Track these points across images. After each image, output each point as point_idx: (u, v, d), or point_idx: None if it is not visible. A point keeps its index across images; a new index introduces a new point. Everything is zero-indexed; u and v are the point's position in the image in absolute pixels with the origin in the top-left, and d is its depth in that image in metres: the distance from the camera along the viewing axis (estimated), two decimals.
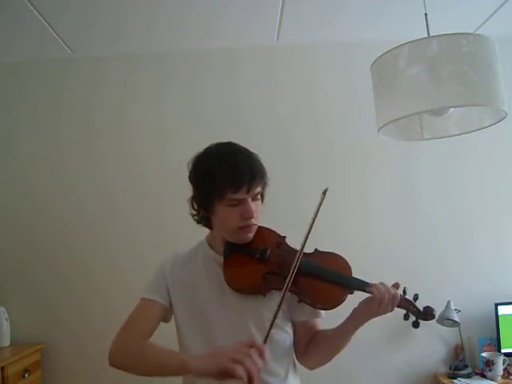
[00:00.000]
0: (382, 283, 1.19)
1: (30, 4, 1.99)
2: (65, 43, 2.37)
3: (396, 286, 1.20)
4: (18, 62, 2.50)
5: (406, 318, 1.24)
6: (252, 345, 1.03)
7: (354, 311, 1.23)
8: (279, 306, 1.12)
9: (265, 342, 1.07)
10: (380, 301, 1.16)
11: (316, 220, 1.19)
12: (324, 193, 1.22)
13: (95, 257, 2.40)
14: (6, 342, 2.27)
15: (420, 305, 1.24)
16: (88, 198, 2.44)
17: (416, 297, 1.25)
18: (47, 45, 2.36)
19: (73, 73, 2.53)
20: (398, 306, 1.19)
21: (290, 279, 1.15)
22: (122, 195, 2.44)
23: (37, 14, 2.06)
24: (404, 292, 1.23)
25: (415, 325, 1.23)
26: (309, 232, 1.19)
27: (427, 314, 1.23)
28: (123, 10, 2.10)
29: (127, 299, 1.32)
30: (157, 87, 2.51)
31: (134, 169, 2.46)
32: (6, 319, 2.29)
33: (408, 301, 1.23)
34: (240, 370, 0.97)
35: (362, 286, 1.20)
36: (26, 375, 2.13)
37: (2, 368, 1.98)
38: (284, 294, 1.14)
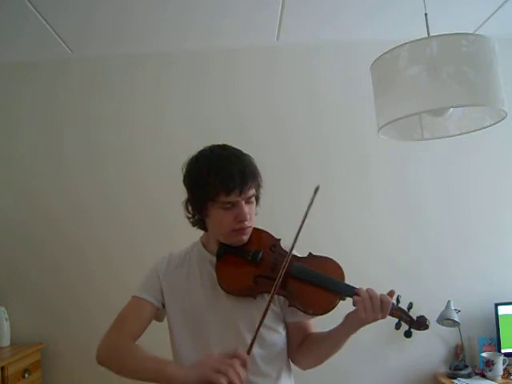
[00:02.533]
0: (368, 289, 1.17)
1: (30, 4, 1.99)
2: (65, 43, 2.37)
3: (390, 294, 1.17)
4: (18, 62, 2.50)
5: (397, 327, 1.20)
6: (235, 355, 1.04)
7: (345, 318, 1.21)
8: (264, 314, 1.12)
9: (248, 353, 1.07)
10: (363, 305, 1.14)
11: (307, 220, 1.18)
12: (315, 191, 1.20)
13: (95, 257, 2.40)
14: (6, 342, 2.27)
15: (414, 314, 1.21)
16: (88, 198, 2.44)
17: (410, 305, 1.21)
18: (47, 45, 2.36)
19: (73, 73, 2.53)
20: (390, 315, 1.17)
21: (277, 283, 1.15)
22: (122, 195, 2.44)
23: (37, 14, 2.07)
24: (397, 300, 1.20)
25: (407, 334, 1.19)
26: (299, 231, 1.18)
27: (420, 323, 1.19)
28: (123, 10, 2.10)
29: (127, 299, 1.32)
30: (157, 87, 2.51)
31: (133, 168, 2.46)
32: (6, 319, 2.30)
33: (400, 309, 1.19)
34: (222, 381, 0.98)
35: (351, 292, 1.18)
36: (26, 375, 2.13)
37: (2, 368, 1.98)
38: (270, 301, 1.13)
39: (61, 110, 2.50)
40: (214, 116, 2.48)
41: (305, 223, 1.18)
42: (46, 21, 2.14)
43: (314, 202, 1.19)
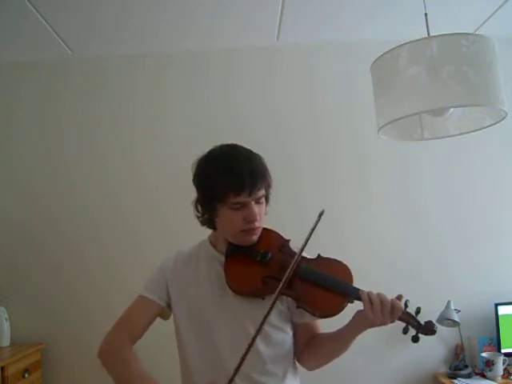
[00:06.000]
0: (379, 293, 1.16)
1: (30, 4, 1.99)
2: (65, 43, 2.37)
3: (399, 297, 1.17)
4: (18, 62, 2.50)
5: (405, 331, 1.20)
6: None
7: (353, 318, 1.22)
8: (267, 314, 1.12)
9: (239, 365, 1.08)
10: (371, 306, 1.14)
11: (307, 219, 1.19)
12: (320, 215, 1.20)
13: (95, 257, 2.40)
14: (6, 342, 2.27)
15: (422, 319, 1.21)
16: (88, 198, 2.44)
17: (418, 310, 1.21)
18: (47, 45, 2.36)
19: (73, 73, 2.53)
20: (397, 319, 1.17)
21: (284, 282, 1.15)
22: (122, 194, 2.44)
23: (37, 14, 2.06)
24: (405, 305, 1.19)
25: (415, 339, 1.18)
26: (302, 248, 1.20)
27: (428, 329, 1.19)
28: (123, 10, 2.10)
29: (127, 299, 1.32)
30: (157, 87, 2.51)
31: (134, 168, 2.46)
32: (6, 319, 2.29)
33: (408, 314, 1.19)
34: None
35: (359, 294, 1.18)
36: (26, 375, 2.13)
37: (2, 368, 1.98)
38: (274, 302, 1.14)
39: (61, 110, 2.50)
40: (214, 116, 2.48)
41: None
42: (46, 21, 2.14)
43: (317, 226, 1.20)
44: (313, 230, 1.20)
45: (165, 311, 1.31)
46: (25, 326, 2.36)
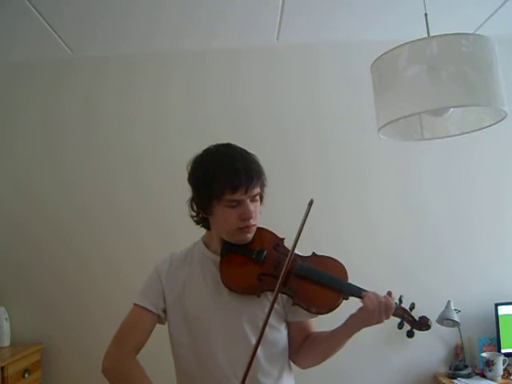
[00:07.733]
0: (374, 293, 1.18)
1: (30, 4, 1.99)
2: (65, 43, 2.37)
3: (389, 294, 1.19)
4: (18, 62, 2.50)
5: (400, 326, 1.21)
6: None
7: (349, 318, 1.22)
8: (269, 313, 1.13)
9: (252, 358, 1.08)
10: (372, 311, 1.15)
11: (308, 220, 1.19)
12: (310, 204, 1.21)
13: (95, 257, 2.40)
14: (6, 342, 2.28)
15: (416, 314, 1.22)
16: (88, 198, 2.44)
17: (412, 306, 1.22)
18: (47, 45, 2.36)
19: (73, 73, 2.53)
20: (392, 315, 1.18)
21: (280, 282, 1.16)
22: (123, 195, 2.44)
23: (37, 14, 2.07)
24: (400, 300, 1.21)
25: (409, 334, 1.20)
26: (295, 243, 1.20)
27: (422, 324, 1.20)
28: (123, 10, 2.10)
29: (127, 299, 1.32)
30: (157, 87, 2.51)
31: (134, 168, 2.46)
32: (6, 319, 2.30)
33: (403, 309, 1.21)
34: None
35: (356, 292, 1.20)
36: (26, 375, 2.13)
37: (2, 368, 1.98)
38: (274, 301, 1.15)
39: (61, 110, 2.50)
40: (214, 116, 2.48)
41: (304, 227, 1.19)
42: (45, 21, 2.14)
43: (308, 216, 1.20)
44: (304, 220, 1.20)
45: (162, 318, 1.30)
46: (25, 326, 2.36)
